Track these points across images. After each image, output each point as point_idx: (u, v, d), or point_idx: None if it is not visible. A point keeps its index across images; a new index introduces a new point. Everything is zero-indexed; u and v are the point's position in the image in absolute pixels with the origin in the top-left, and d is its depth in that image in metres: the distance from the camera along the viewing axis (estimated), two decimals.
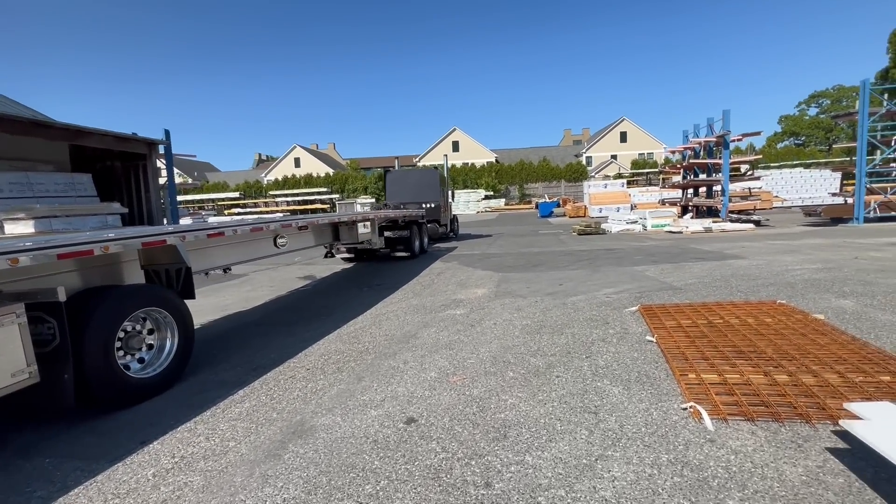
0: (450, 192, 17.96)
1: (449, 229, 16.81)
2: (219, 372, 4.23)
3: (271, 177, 50.83)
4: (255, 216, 31.68)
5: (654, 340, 4.08)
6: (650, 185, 34.67)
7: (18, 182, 11.59)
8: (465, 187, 40.43)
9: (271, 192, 41.99)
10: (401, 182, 16.27)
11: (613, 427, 2.67)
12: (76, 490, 2.43)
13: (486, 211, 37.61)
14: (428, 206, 15.28)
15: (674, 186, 21.29)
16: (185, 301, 4.23)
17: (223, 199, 41.27)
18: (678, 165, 20.29)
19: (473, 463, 2.39)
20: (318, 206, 39.50)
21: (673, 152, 22.32)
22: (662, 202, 21.28)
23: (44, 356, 3.12)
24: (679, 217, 16.86)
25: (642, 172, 42.06)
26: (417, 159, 54.21)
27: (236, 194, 42.31)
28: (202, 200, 40.63)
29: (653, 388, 3.16)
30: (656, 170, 38.60)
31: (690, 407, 2.78)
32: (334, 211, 35.27)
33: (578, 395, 3.14)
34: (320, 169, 49.81)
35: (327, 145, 68.58)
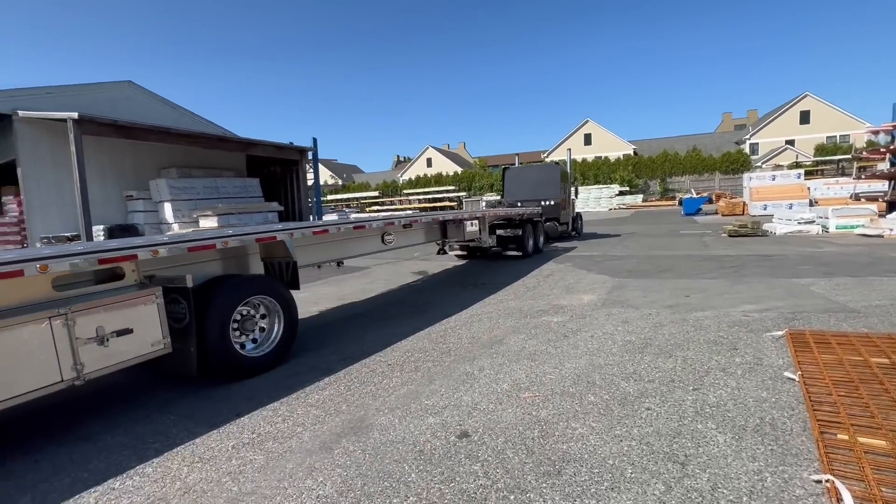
0: (573, 189, 16.91)
1: (570, 228, 15.86)
2: (315, 357, 4.63)
3: (406, 176, 54.79)
4: (389, 213, 34.49)
5: (797, 378, 3.15)
6: (842, 174, 27.56)
7: (209, 186, 14.56)
8: (597, 183, 37.78)
9: (405, 191, 45.25)
10: (519, 179, 15.90)
11: (703, 488, 2.10)
12: (177, 449, 2.87)
13: (620, 208, 34.59)
14: (547, 203, 14.63)
15: (875, 177, 16.53)
16: (292, 291, 4.73)
17: (365, 198, 45.93)
18: (883, 149, 15.70)
19: (512, 498, 2.12)
20: (447, 203, 41.22)
21: (877, 132, 17.37)
22: (856, 197, 16.75)
23: (177, 331, 3.79)
24: (880, 216, 13.03)
25: (831, 160, 33.77)
26: (545, 155, 52.59)
27: (376, 193, 46.67)
28: (348, 199, 45.84)
29: (776, 443, 2.41)
30: (849, 156, 30.48)
31: (827, 481, 2.03)
32: (461, 208, 36.44)
33: (668, 436, 2.57)
34: (450, 168, 51.91)
35: (458, 145, 71.10)
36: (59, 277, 3.21)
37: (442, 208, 38.97)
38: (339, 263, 6.57)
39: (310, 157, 17.33)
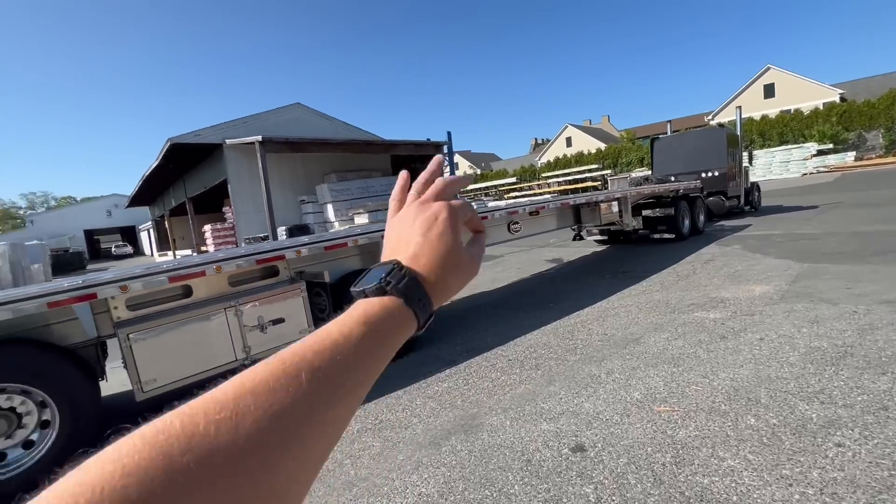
0: (745, 155, 14.03)
1: (742, 202, 13.24)
2: (441, 348, 4.77)
3: (545, 159, 53.07)
4: (528, 199, 33.87)
5: None
6: None
7: (361, 186, 16.38)
8: (783, 143, 30.74)
9: (543, 175, 43.91)
10: (671, 150, 13.86)
11: None
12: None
13: (820, 171, 27.45)
14: (709, 174, 12.48)
15: None
16: None
17: (503, 185, 46.08)
18: None
19: None
20: (589, 183, 38.66)
21: None
22: None
23: (321, 321, 4.31)
24: None
25: None
26: (710, 117, 44.82)
27: (513, 179, 46.40)
28: (486, 188, 46.60)
29: None
30: None
31: None
32: (605, 188, 33.72)
33: (868, 489, 1.87)
34: (592, 145, 48.41)
35: (601, 119, 65.73)
36: (232, 275, 3.93)
37: (584, 189, 36.67)
38: None
39: (445, 150, 18.07)
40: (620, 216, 9.12)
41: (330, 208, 15.62)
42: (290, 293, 3.97)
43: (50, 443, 2.84)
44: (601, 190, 27.96)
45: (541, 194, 39.40)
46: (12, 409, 2.81)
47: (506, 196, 42.96)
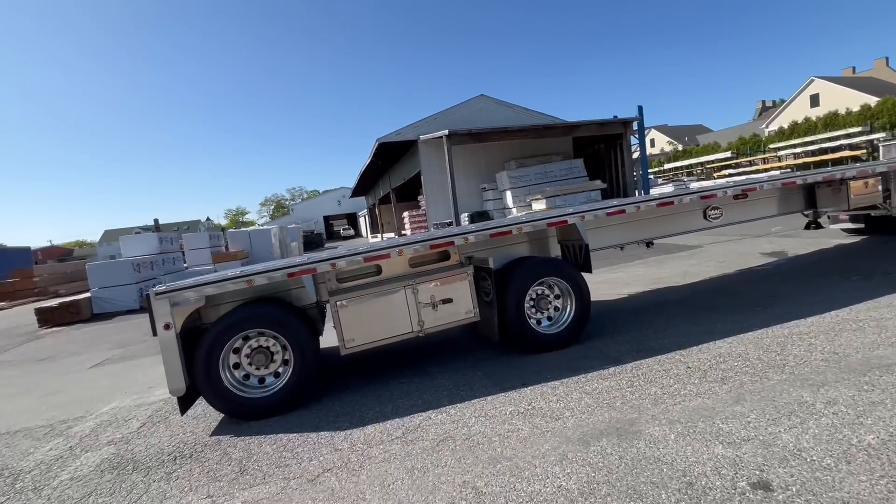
0: None
1: None
2: (608, 343, 4.48)
3: (774, 126, 42.51)
4: (745, 177, 27.92)
5: None
6: None
7: (539, 172, 16.29)
8: None
9: (770, 146, 35.33)
10: None
11: None
12: (474, 401, 3.51)
13: None
14: None
15: None
16: (585, 274, 4.72)
17: (711, 162, 38.98)
18: None
19: None
20: (847, 153, 29.35)
21: None
22: None
23: (485, 304, 4.57)
24: None
25: None
26: None
27: (727, 154, 38.75)
28: (689, 166, 40.21)
29: None
30: None
31: None
32: (875, 158, 25.05)
33: None
34: (853, 101, 36.32)
35: (872, 64, 48.54)
36: (412, 258, 4.51)
37: (836, 162, 27.99)
38: (649, 244, 5.98)
39: (635, 127, 16.32)
40: (888, 198, 6.73)
41: (509, 195, 16.05)
42: (458, 276, 4.33)
43: (288, 376, 3.85)
44: (866, 161, 20.75)
45: (766, 170, 31.82)
46: (267, 348, 3.91)
47: (714, 175, 36.19)
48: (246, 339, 3.88)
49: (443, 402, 3.57)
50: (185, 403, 3.70)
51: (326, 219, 63.21)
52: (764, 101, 63.08)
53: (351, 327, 4.00)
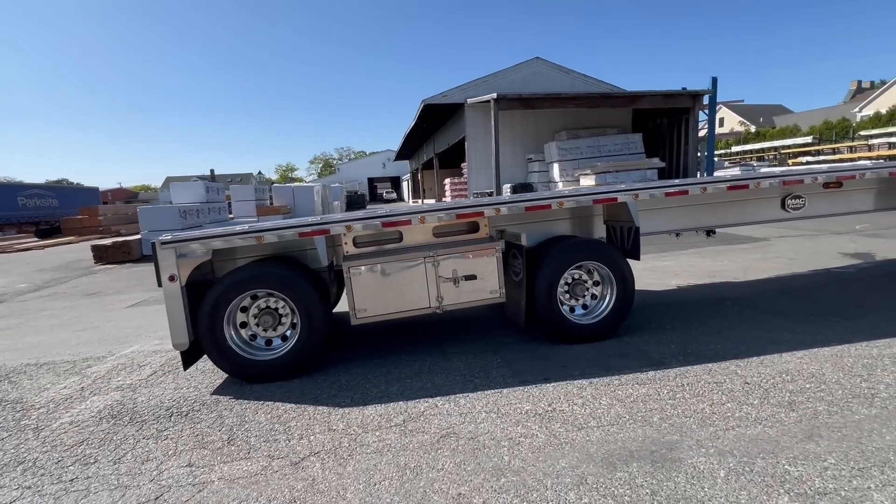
0: None
1: None
2: (649, 342, 3.94)
3: (869, 111, 37.66)
4: (827, 165, 25.01)
5: None
6: None
7: (591, 145, 15.17)
8: None
9: (862, 133, 31.38)
10: None
11: None
12: (488, 392, 3.14)
13: None
14: None
15: None
16: (631, 261, 4.14)
17: (788, 147, 35.29)
18: None
19: None
20: None
21: None
22: None
23: (513, 284, 4.11)
24: None
25: None
26: None
27: (808, 139, 34.89)
28: (761, 150, 36.65)
29: None
30: None
31: None
32: None
33: None
34: None
35: None
36: (437, 227, 4.10)
37: None
38: (710, 233, 5.25)
39: (705, 101, 14.69)
40: None
41: (556, 168, 15.11)
42: (485, 251, 3.88)
43: (294, 341, 3.63)
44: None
45: (852, 160, 28.35)
46: (276, 310, 3.69)
47: (789, 161, 32.76)
48: (255, 298, 3.68)
49: (454, 389, 3.22)
50: (189, 358, 3.58)
51: (371, 180, 63.66)
52: (860, 82, 55.94)
53: (363, 296, 3.69)
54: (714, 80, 14.32)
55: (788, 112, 53.04)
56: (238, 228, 3.46)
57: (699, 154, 15.08)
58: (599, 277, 4.14)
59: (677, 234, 5.17)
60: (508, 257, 4.15)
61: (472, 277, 3.85)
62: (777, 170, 5.47)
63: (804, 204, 4.97)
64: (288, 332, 3.72)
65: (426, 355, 3.97)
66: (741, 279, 6.12)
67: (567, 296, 4.10)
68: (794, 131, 38.36)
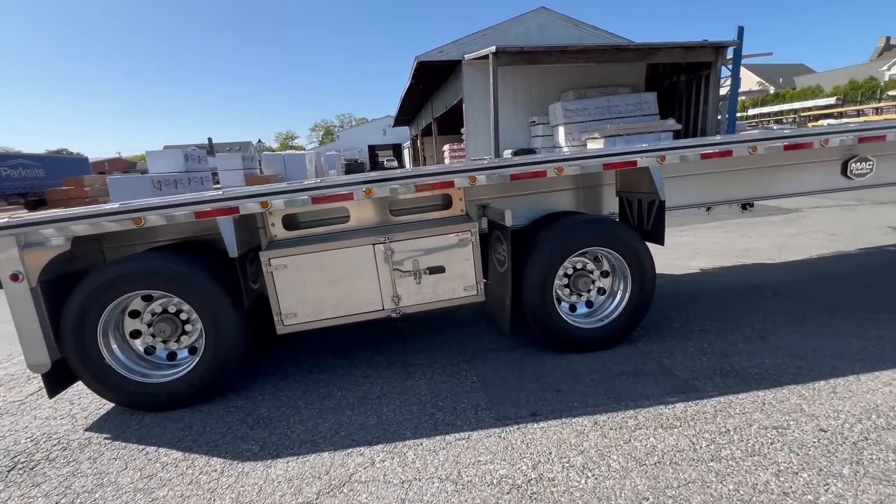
0: None
1: None
2: (673, 350, 3.01)
3: None
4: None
5: None
6: None
7: (601, 106, 13.76)
8: None
9: (890, 93, 29.27)
10: None
11: None
12: (437, 440, 2.25)
13: None
14: None
15: None
16: (652, 246, 3.16)
17: (808, 109, 33.18)
18: None
19: None
20: None
21: None
22: None
23: (497, 276, 3.15)
24: None
25: None
26: None
27: (831, 101, 32.75)
28: (780, 112, 34.57)
29: None
30: None
31: None
32: None
33: None
34: None
35: None
36: (394, 203, 3.11)
37: None
38: (746, 206, 4.23)
39: (729, 55, 13.14)
40: None
41: (561, 131, 13.81)
42: (455, 233, 2.90)
43: (200, 355, 2.72)
44: None
45: (880, 121, 26.49)
46: (177, 314, 2.78)
47: (808, 124, 30.79)
48: (148, 299, 2.76)
49: (404, 431, 2.33)
50: (56, 382, 2.69)
51: (371, 148, 61.72)
52: (889, 38, 52.41)
53: (291, 297, 2.76)
54: (740, 30, 12.71)
55: (811, 72, 49.96)
56: (107, 207, 2.49)
57: (718, 115, 13.66)
58: (609, 268, 3.17)
59: (708, 209, 4.13)
60: (492, 241, 3.17)
61: (440, 270, 2.89)
62: (850, 123, 4.34)
63: (871, 169, 3.90)
64: (198, 343, 2.83)
65: (383, 369, 3.08)
66: (777, 260, 5.12)
67: (566, 291, 3.15)
68: (815, 92, 36.08)
